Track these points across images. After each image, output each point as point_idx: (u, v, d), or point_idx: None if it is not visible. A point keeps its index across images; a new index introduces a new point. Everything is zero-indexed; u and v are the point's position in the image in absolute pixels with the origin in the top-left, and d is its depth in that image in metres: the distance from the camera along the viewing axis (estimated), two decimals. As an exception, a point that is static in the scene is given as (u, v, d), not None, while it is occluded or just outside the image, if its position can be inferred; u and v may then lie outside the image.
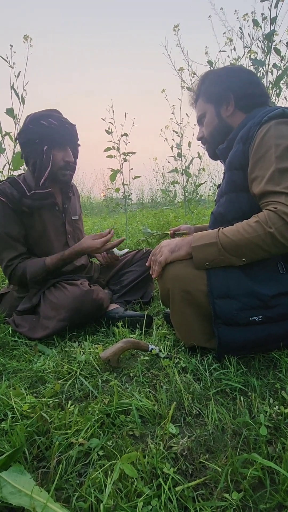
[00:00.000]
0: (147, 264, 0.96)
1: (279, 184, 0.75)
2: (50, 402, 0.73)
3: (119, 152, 2.66)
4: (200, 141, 1.08)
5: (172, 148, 2.96)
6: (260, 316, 0.79)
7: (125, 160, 2.70)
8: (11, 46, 1.90)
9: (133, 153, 2.70)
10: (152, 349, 0.91)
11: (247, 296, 0.79)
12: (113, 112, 2.62)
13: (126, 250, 1.42)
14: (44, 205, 1.20)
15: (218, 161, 1.11)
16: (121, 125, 2.62)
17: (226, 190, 0.91)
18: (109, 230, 1.22)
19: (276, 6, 1.64)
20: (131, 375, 0.85)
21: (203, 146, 1.09)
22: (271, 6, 1.64)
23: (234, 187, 0.89)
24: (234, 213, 0.88)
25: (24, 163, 1.23)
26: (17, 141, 1.19)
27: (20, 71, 1.95)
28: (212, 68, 1.07)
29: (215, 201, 1.04)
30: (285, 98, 2.34)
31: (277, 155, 0.77)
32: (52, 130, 1.14)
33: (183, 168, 2.99)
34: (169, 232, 1.35)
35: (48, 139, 1.14)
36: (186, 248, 0.85)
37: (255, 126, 0.83)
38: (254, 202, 0.83)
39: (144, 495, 0.49)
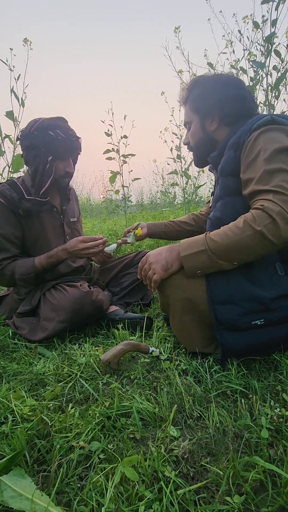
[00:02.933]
0: (138, 276, 0.93)
1: (268, 184, 0.76)
2: (51, 405, 0.73)
3: (119, 154, 2.67)
4: (186, 146, 1.10)
5: (171, 150, 2.96)
6: (262, 320, 0.79)
7: (125, 162, 2.70)
8: (11, 49, 1.90)
9: (133, 155, 2.70)
10: (153, 351, 0.91)
11: (248, 300, 0.79)
12: (112, 114, 2.62)
13: (114, 245, 1.39)
14: (42, 210, 1.21)
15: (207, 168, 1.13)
16: (121, 127, 2.63)
17: (221, 195, 0.92)
18: (102, 239, 1.20)
19: (276, 9, 1.64)
20: (132, 377, 0.84)
21: (188, 150, 1.10)
22: (271, 8, 1.65)
23: (229, 192, 0.90)
24: (231, 217, 0.86)
25: (24, 163, 1.23)
26: (18, 142, 1.19)
27: (20, 74, 1.96)
28: (209, 71, 1.08)
29: (210, 207, 1.05)
30: (284, 100, 2.36)
31: (265, 157, 0.78)
32: (58, 142, 1.14)
33: (183, 170, 3.00)
34: (118, 241, 1.31)
35: (53, 150, 1.15)
36: (178, 262, 0.84)
37: (245, 134, 0.85)
38: (249, 205, 0.84)
39: (146, 499, 0.49)
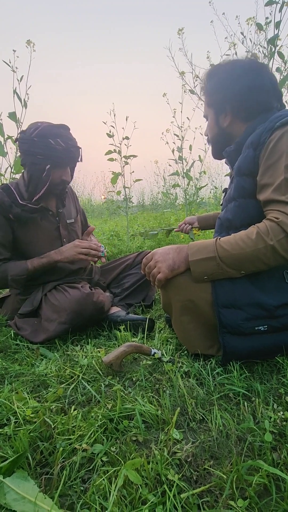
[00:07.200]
0: (141, 271, 0.92)
1: (285, 194, 0.74)
2: (53, 406, 0.73)
3: (120, 155, 2.67)
4: (205, 136, 1.07)
5: (173, 151, 2.96)
6: (266, 326, 0.78)
7: (126, 163, 2.70)
8: (14, 51, 1.91)
9: (134, 156, 2.70)
10: (155, 353, 0.91)
11: (252, 306, 0.79)
12: (114, 115, 2.63)
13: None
14: (32, 217, 1.20)
15: (219, 164, 1.11)
16: (122, 128, 2.63)
17: (234, 196, 0.89)
18: (97, 246, 1.22)
19: (280, 10, 1.64)
20: (134, 379, 0.84)
21: (208, 142, 1.08)
22: (275, 10, 1.65)
23: (243, 193, 0.86)
24: (242, 220, 0.86)
25: (21, 165, 1.22)
26: (17, 142, 1.18)
27: (22, 75, 1.96)
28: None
29: (221, 205, 1.03)
30: (286, 102, 2.35)
31: (286, 163, 0.75)
32: (57, 152, 1.13)
33: (184, 171, 2.99)
34: (174, 229, 1.42)
35: (51, 159, 1.14)
36: (185, 265, 0.83)
37: (266, 132, 0.80)
38: (262, 210, 0.81)
39: (149, 502, 0.49)
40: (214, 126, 0.98)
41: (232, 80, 0.90)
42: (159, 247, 2.53)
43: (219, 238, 0.80)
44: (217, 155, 1.05)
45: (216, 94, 0.94)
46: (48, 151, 1.12)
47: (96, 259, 1.24)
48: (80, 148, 1.22)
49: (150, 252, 1.52)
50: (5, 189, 1.19)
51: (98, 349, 1.00)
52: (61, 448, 0.59)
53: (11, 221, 1.18)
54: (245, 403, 0.71)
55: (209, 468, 0.56)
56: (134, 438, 0.64)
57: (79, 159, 1.25)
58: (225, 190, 1.07)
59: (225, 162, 1.08)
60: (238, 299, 0.80)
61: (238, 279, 0.81)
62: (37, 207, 1.20)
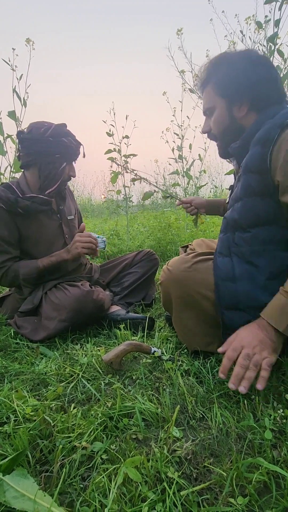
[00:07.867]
0: (229, 359, 0.72)
1: None
2: (53, 405, 0.73)
3: (120, 154, 2.67)
4: (205, 134, 0.99)
5: (173, 150, 2.95)
6: None
7: (126, 162, 2.70)
8: (14, 49, 1.91)
9: (134, 155, 2.70)
10: (155, 351, 0.91)
11: (256, 309, 0.77)
12: (114, 114, 2.62)
13: (102, 245, 1.41)
14: (42, 210, 1.22)
15: (219, 163, 1.09)
16: (122, 127, 2.63)
17: (241, 195, 0.84)
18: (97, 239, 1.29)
19: (280, 9, 1.63)
20: (134, 377, 0.84)
21: (210, 139, 0.99)
22: (274, 8, 1.64)
23: (249, 192, 0.82)
24: (249, 220, 0.82)
25: (23, 167, 1.22)
26: (21, 144, 1.18)
27: (22, 74, 1.96)
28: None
29: (227, 203, 1.00)
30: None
31: None
32: (72, 149, 1.19)
33: (184, 170, 2.99)
34: (176, 202, 1.42)
35: (67, 156, 1.20)
36: (281, 338, 0.74)
37: (276, 128, 0.75)
38: (270, 208, 0.78)
39: (149, 500, 0.49)
40: (225, 117, 0.89)
41: (251, 67, 0.84)
42: (159, 246, 2.51)
43: (283, 288, 0.73)
44: (226, 152, 0.97)
45: (233, 81, 0.85)
46: (65, 149, 1.17)
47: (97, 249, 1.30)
48: (82, 145, 1.26)
49: (149, 250, 1.50)
50: (7, 186, 1.20)
51: (98, 348, 1.00)
52: (61, 446, 0.59)
53: (16, 218, 1.19)
54: (245, 401, 0.71)
55: (209, 465, 0.56)
56: (134, 436, 0.64)
57: (83, 155, 1.29)
58: (231, 188, 1.02)
59: (228, 161, 1.05)
60: (241, 301, 0.79)
61: (241, 283, 0.79)
62: (49, 199, 1.23)
